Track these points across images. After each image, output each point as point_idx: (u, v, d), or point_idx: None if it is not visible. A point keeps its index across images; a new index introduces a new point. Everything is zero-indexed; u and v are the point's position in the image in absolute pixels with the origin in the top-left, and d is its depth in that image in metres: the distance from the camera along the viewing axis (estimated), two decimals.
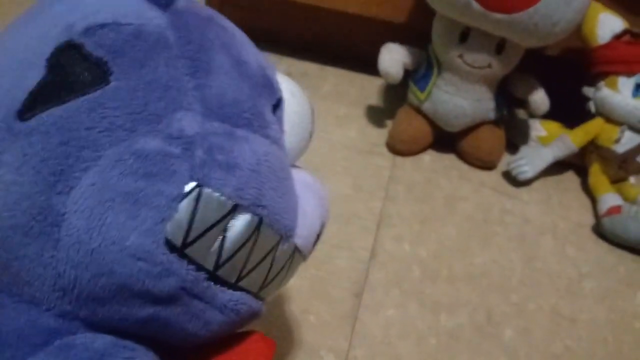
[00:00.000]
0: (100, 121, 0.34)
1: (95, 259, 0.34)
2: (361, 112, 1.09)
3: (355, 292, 0.75)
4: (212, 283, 0.37)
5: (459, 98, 0.95)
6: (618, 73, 0.96)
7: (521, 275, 0.83)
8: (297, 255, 0.45)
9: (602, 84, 0.97)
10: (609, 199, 0.95)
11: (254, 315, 0.43)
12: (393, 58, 0.96)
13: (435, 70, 0.96)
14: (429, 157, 1.02)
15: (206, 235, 0.36)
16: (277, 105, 0.44)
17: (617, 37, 0.96)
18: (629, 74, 0.95)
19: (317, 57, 1.20)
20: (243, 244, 0.38)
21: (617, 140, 0.96)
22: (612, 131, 0.97)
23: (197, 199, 0.35)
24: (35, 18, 0.38)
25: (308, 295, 0.74)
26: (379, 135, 1.03)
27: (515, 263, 0.85)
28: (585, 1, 0.86)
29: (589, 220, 0.95)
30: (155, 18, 0.38)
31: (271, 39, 1.17)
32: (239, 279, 0.39)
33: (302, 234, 0.44)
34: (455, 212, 0.91)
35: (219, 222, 0.36)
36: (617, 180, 1.00)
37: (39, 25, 0.37)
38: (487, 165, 1.01)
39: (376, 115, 1.08)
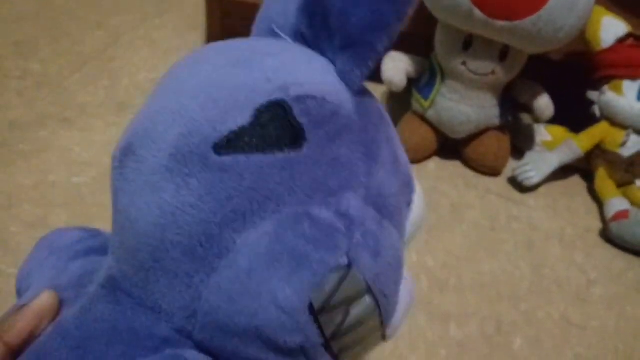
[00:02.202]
0: (288, 180, 0.37)
1: (245, 298, 0.35)
2: None
3: None
4: (324, 350, 0.39)
5: (463, 105, 0.95)
6: (622, 77, 0.95)
7: (530, 283, 0.83)
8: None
9: (606, 88, 0.97)
10: (616, 203, 0.94)
11: None
12: (396, 67, 0.96)
13: (438, 78, 0.96)
14: (434, 165, 1.02)
15: (337, 307, 0.37)
16: (409, 203, 0.47)
17: (621, 40, 0.96)
18: (633, 77, 0.95)
19: None
20: (358, 324, 0.39)
21: (623, 144, 0.96)
22: (618, 135, 0.96)
23: (345, 275, 0.37)
24: (247, 64, 0.40)
25: None
26: None
27: (523, 270, 0.84)
28: (589, 6, 0.86)
29: (597, 225, 0.95)
30: (347, 101, 0.40)
31: None
32: (341, 352, 0.41)
33: (393, 325, 0.45)
34: (462, 220, 0.91)
35: (351, 299, 0.38)
36: (623, 184, 1.00)
37: (251, 72, 0.39)
38: (492, 171, 1.01)
39: None
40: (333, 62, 0.42)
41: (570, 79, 1.02)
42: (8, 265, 0.76)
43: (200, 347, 0.38)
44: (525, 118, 1.12)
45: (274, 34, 0.46)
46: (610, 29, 0.96)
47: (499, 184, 1.00)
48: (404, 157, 0.46)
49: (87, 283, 0.41)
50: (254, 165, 0.36)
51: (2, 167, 0.89)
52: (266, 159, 0.36)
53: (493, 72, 0.92)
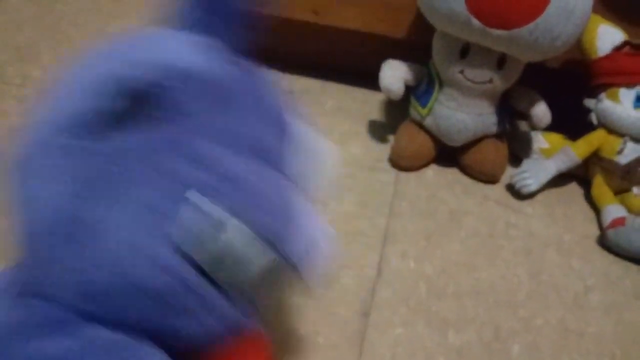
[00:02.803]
0: (145, 148, 0.41)
1: (117, 261, 0.39)
2: (364, 128, 1.09)
3: (363, 312, 0.75)
4: (209, 286, 0.42)
5: (461, 113, 0.96)
6: (619, 84, 0.96)
7: (528, 290, 0.83)
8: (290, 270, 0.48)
9: (603, 95, 0.98)
10: (613, 210, 0.95)
11: (247, 323, 0.47)
12: (394, 75, 0.96)
13: (436, 86, 0.96)
14: (432, 172, 1.02)
15: (204, 240, 0.40)
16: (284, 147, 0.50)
17: (617, 48, 0.96)
18: (630, 85, 0.95)
19: (318, 73, 1.20)
20: (233, 253, 0.42)
21: (620, 152, 0.97)
22: (615, 142, 0.97)
23: (196, 207, 0.40)
24: (123, 51, 0.47)
25: (316, 317, 0.74)
26: (382, 151, 1.04)
27: (521, 277, 0.85)
28: (585, 14, 0.86)
29: (594, 232, 0.96)
30: (215, 71, 0.48)
31: (273, 57, 1.17)
32: (231, 287, 0.44)
33: (298, 249, 0.47)
34: (460, 227, 0.92)
35: (214, 230, 0.40)
36: (620, 192, 1.00)
37: (122, 58, 0.45)
38: (490, 178, 1.02)
39: (379, 131, 1.09)
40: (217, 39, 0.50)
41: (567, 86, 1.02)
42: None
43: (99, 321, 0.40)
44: (523, 125, 1.12)
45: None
46: (607, 37, 0.97)
47: (497, 191, 1.01)
48: (276, 108, 0.51)
49: None
50: (113, 144, 0.40)
51: (2, 176, 0.89)
52: (127, 136, 0.40)
53: (490, 81, 0.92)
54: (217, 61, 0.48)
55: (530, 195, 1.00)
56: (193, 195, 0.40)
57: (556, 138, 1.05)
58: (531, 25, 0.83)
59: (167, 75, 0.43)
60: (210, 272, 0.41)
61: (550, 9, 0.82)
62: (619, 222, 0.92)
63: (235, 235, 0.41)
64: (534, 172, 0.97)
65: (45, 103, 0.45)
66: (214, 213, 0.40)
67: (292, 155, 0.50)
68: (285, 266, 0.46)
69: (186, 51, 0.47)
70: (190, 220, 0.40)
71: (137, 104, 0.41)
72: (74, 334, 0.39)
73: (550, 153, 1.02)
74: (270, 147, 0.47)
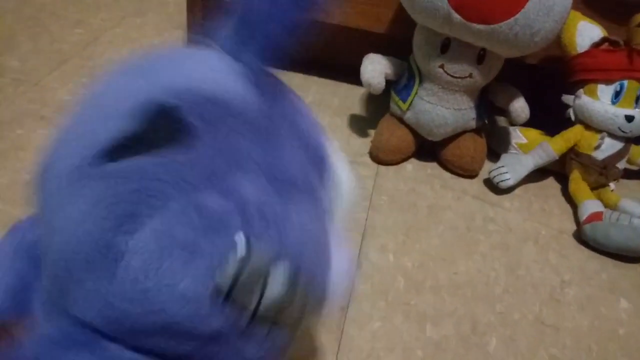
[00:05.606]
0: (174, 176, 0.38)
1: (147, 297, 0.36)
2: (344, 122, 1.09)
3: (342, 306, 0.76)
4: (252, 323, 0.40)
5: (441, 108, 0.96)
6: (597, 81, 0.97)
7: (505, 284, 0.84)
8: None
9: (581, 91, 0.99)
10: (590, 205, 0.96)
11: (288, 344, 0.46)
12: (375, 69, 0.96)
13: (417, 81, 0.97)
14: (412, 166, 1.03)
15: (250, 281, 0.38)
16: (323, 178, 0.49)
17: (596, 45, 0.97)
18: (608, 81, 0.96)
19: (300, 67, 1.20)
20: (280, 298, 0.40)
21: (597, 147, 0.98)
22: (592, 138, 0.98)
23: (247, 250, 0.38)
24: (142, 73, 0.44)
25: None
26: (363, 145, 1.04)
27: (499, 271, 0.85)
28: (565, 11, 0.87)
29: (571, 226, 0.97)
30: (245, 95, 0.44)
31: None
32: (273, 325, 0.42)
33: (331, 293, 0.47)
34: (438, 221, 0.92)
35: (261, 273, 0.39)
36: (597, 187, 1.01)
37: (144, 80, 0.43)
38: (469, 173, 1.02)
39: (359, 125, 1.09)
40: (243, 60, 0.47)
41: (546, 82, 1.03)
42: None
43: (125, 345, 0.39)
44: (501, 121, 1.13)
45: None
46: (586, 33, 0.98)
47: (475, 185, 1.01)
48: (314, 139, 0.49)
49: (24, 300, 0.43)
50: (137, 167, 0.38)
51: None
52: (151, 160, 0.38)
53: (470, 75, 0.93)
54: (252, 88, 0.46)
55: (508, 190, 1.01)
56: (239, 238, 0.38)
57: (534, 133, 1.06)
58: (511, 20, 0.83)
59: (201, 103, 0.41)
60: (256, 316, 0.40)
61: (530, 4, 0.82)
62: (596, 216, 0.92)
63: (281, 279, 0.40)
64: (512, 167, 0.98)
65: (73, 124, 0.43)
66: (259, 258, 0.38)
67: (327, 185, 0.50)
68: (320, 300, 0.47)
69: (224, 79, 0.45)
70: (235, 265, 0.38)
71: (168, 129, 0.40)
72: (96, 352, 0.38)
73: (528, 148, 1.03)
74: (309, 180, 0.46)
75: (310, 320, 0.48)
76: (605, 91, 0.96)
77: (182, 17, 1.21)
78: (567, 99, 1.00)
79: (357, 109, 1.13)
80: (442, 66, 0.93)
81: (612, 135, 0.97)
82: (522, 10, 0.83)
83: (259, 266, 0.38)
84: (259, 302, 0.39)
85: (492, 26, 0.84)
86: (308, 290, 0.43)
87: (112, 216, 0.37)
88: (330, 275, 0.47)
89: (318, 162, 0.48)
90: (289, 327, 0.44)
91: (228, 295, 0.38)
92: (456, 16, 0.85)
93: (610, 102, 0.96)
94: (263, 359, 0.44)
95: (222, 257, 0.37)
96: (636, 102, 0.96)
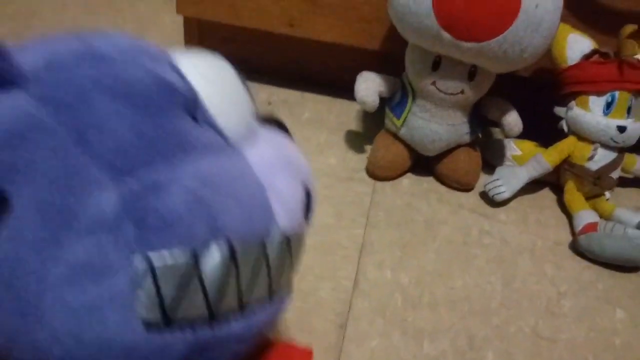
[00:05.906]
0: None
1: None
2: (341, 139, 1.10)
3: (340, 324, 0.77)
4: (217, 324, 0.37)
5: (434, 124, 0.97)
6: (588, 92, 0.98)
7: (501, 297, 0.85)
8: (292, 237, 0.44)
9: (573, 103, 1.00)
10: (585, 216, 0.97)
11: (277, 312, 0.44)
12: (369, 87, 0.98)
13: (410, 98, 0.98)
14: (408, 181, 1.04)
15: (183, 293, 0.35)
16: (194, 105, 0.41)
17: (587, 57, 0.98)
18: (599, 93, 0.97)
19: (296, 84, 1.22)
20: (226, 275, 0.37)
21: (591, 158, 0.99)
22: (585, 149, 0.99)
23: (152, 270, 0.34)
24: None
25: (292, 328, 0.75)
26: (359, 161, 1.05)
27: (495, 285, 0.86)
28: (553, 26, 0.88)
29: (566, 237, 0.98)
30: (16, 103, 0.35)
31: (251, 68, 1.19)
32: (242, 303, 0.39)
33: (284, 215, 0.43)
34: (435, 236, 0.93)
35: (187, 275, 0.35)
36: (592, 197, 1.02)
37: None
38: (464, 187, 1.03)
39: (355, 141, 1.10)
40: None
41: (538, 95, 1.04)
42: None
43: None
44: (496, 133, 1.14)
45: None
46: (576, 45, 0.99)
47: (471, 199, 1.02)
48: (142, 70, 0.41)
49: None
50: None
51: None
52: None
53: (462, 92, 0.94)
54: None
55: (504, 202, 1.02)
56: (139, 263, 0.34)
57: (528, 145, 1.07)
58: (500, 38, 0.85)
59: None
60: (211, 311, 0.37)
61: (519, 21, 0.84)
62: (591, 227, 0.94)
63: (213, 262, 0.36)
64: (507, 179, 0.99)
65: None
66: (178, 262, 0.35)
67: (209, 118, 0.43)
68: (285, 236, 0.44)
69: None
70: (153, 285, 0.34)
71: None
72: None
73: (523, 160, 1.04)
74: (163, 134, 0.38)
75: (289, 266, 0.45)
76: (596, 102, 0.97)
77: (179, 37, 1.22)
78: (559, 110, 1.02)
79: (354, 125, 1.15)
80: (434, 83, 0.94)
81: (605, 145, 0.98)
82: (511, 27, 0.84)
83: (177, 274, 0.35)
84: (206, 298, 0.36)
85: (481, 44, 0.86)
86: (252, 250, 0.40)
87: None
88: (273, 203, 0.43)
89: (167, 96, 0.39)
90: (263, 296, 0.41)
91: (167, 322, 0.35)
92: (446, 35, 0.86)
93: (602, 114, 0.97)
94: (254, 336, 0.42)
95: (132, 292, 0.34)
96: (628, 113, 0.97)
